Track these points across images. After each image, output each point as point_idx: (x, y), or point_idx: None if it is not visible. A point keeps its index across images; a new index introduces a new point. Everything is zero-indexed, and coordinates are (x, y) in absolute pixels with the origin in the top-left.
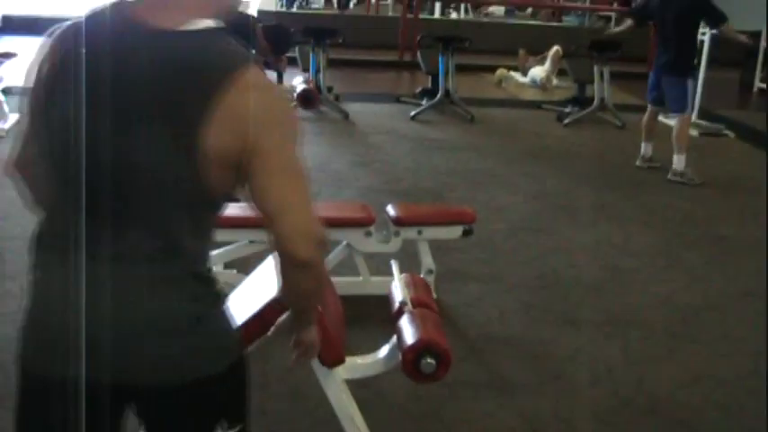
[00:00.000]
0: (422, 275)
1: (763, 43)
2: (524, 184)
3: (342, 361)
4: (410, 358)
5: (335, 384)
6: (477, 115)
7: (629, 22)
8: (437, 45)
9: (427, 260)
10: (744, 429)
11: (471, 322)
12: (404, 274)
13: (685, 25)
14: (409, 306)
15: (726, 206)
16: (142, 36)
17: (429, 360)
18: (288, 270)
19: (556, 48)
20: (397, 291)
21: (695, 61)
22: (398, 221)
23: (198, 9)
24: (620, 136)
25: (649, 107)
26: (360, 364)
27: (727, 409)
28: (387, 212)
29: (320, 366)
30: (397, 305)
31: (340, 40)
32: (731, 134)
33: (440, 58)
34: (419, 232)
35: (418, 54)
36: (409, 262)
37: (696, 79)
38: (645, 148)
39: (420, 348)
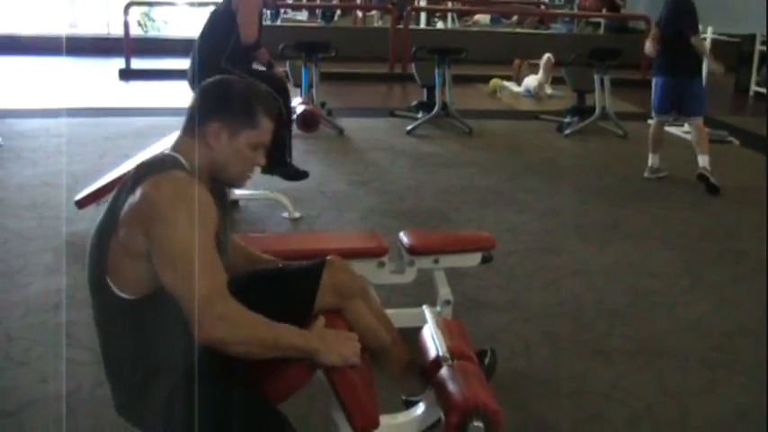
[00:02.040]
0: (438, 307)
1: (758, 47)
2: (532, 200)
3: (376, 426)
4: (456, 422)
5: None
6: (474, 128)
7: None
8: (432, 57)
9: (444, 290)
10: None
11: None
12: (438, 319)
13: (677, 31)
14: (449, 359)
15: (743, 219)
16: None
17: (477, 423)
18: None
19: (548, 55)
20: (432, 338)
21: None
22: (413, 250)
23: None
24: (623, 146)
25: (656, 117)
26: (393, 426)
27: None
28: (400, 240)
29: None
30: (432, 355)
31: (333, 54)
32: (736, 141)
33: (436, 71)
34: (435, 261)
35: (413, 66)
36: (422, 291)
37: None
38: (652, 160)
39: (468, 410)
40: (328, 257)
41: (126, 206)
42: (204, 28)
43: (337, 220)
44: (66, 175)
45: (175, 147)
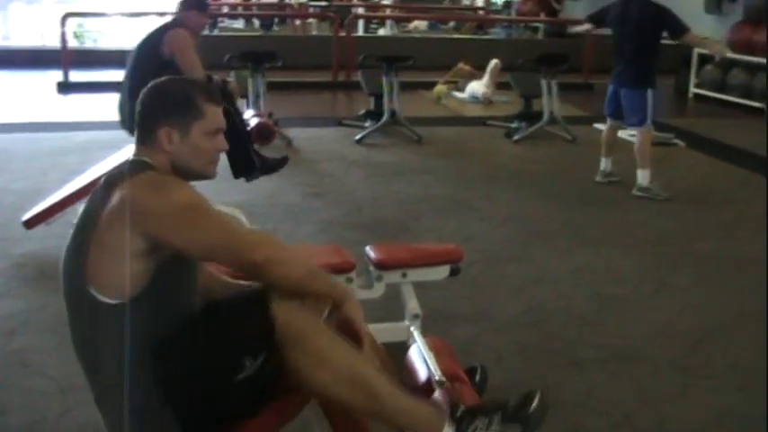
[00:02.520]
0: (406, 321)
1: (696, 49)
2: (489, 208)
3: None
4: None
5: None
6: (424, 135)
7: (587, 26)
8: (379, 65)
9: (412, 304)
10: None
11: None
12: (426, 338)
13: (646, 37)
14: (444, 381)
15: (698, 221)
16: None
17: None
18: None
19: (495, 61)
20: (424, 360)
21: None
22: (381, 265)
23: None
24: (573, 150)
25: (609, 121)
26: None
27: None
28: (367, 255)
29: None
30: (423, 378)
31: (279, 64)
32: (681, 143)
33: (384, 79)
34: (404, 275)
35: (359, 75)
36: (388, 305)
37: (656, 90)
38: (604, 164)
39: None
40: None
41: (105, 214)
42: (130, 72)
43: (295, 233)
44: (9, 194)
45: (137, 156)
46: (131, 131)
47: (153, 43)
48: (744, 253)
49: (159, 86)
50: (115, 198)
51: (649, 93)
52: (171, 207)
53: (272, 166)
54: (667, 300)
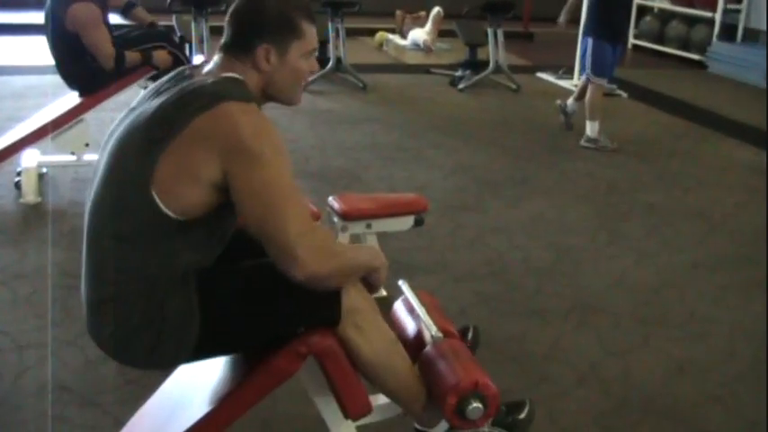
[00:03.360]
0: None
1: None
2: (438, 157)
3: (369, 411)
4: (454, 403)
5: None
6: (368, 82)
7: None
8: (324, 10)
9: None
10: (746, 423)
11: None
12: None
13: None
14: (441, 336)
15: (645, 172)
16: None
17: (476, 405)
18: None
19: (437, 9)
20: (414, 313)
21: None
22: (345, 215)
23: None
24: (518, 99)
25: (600, 81)
26: (379, 407)
27: (722, 401)
28: (330, 206)
29: (331, 415)
30: (414, 331)
31: (222, 8)
32: (624, 94)
33: (329, 24)
34: (368, 226)
35: None
36: None
37: (612, 45)
38: (590, 128)
39: (466, 391)
40: None
41: (194, 126)
42: (51, 40)
43: None
44: None
45: (227, 71)
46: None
47: (59, 16)
48: (689, 203)
49: (254, 2)
50: (210, 116)
51: (606, 46)
52: (260, 168)
53: None
54: (621, 250)
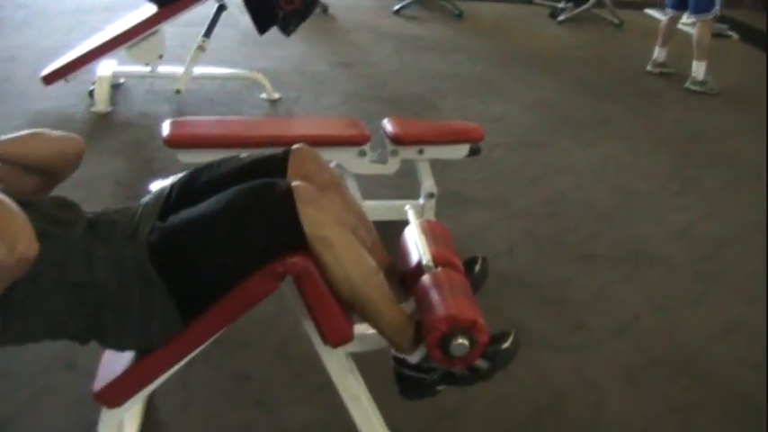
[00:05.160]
0: (420, 200)
1: None
2: (520, 91)
3: (349, 340)
4: (436, 337)
5: (337, 361)
6: (465, 10)
7: None
8: None
9: (428, 183)
10: None
11: None
12: (421, 221)
13: None
14: (432, 266)
15: (736, 122)
16: None
17: (461, 341)
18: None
19: None
20: (414, 242)
21: None
22: (397, 139)
23: None
24: (619, 37)
25: (670, 11)
26: (368, 336)
27: (759, 369)
28: (383, 128)
29: (319, 341)
30: (414, 261)
31: None
32: (735, 35)
33: None
34: (420, 151)
35: None
36: (403, 182)
37: None
38: (658, 53)
39: (451, 325)
40: (293, 146)
41: None
42: None
43: (316, 104)
44: (31, 50)
45: None
46: None
47: None
48: None
49: None
50: None
51: None
52: None
53: (301, 12)
54: (692, 200)
